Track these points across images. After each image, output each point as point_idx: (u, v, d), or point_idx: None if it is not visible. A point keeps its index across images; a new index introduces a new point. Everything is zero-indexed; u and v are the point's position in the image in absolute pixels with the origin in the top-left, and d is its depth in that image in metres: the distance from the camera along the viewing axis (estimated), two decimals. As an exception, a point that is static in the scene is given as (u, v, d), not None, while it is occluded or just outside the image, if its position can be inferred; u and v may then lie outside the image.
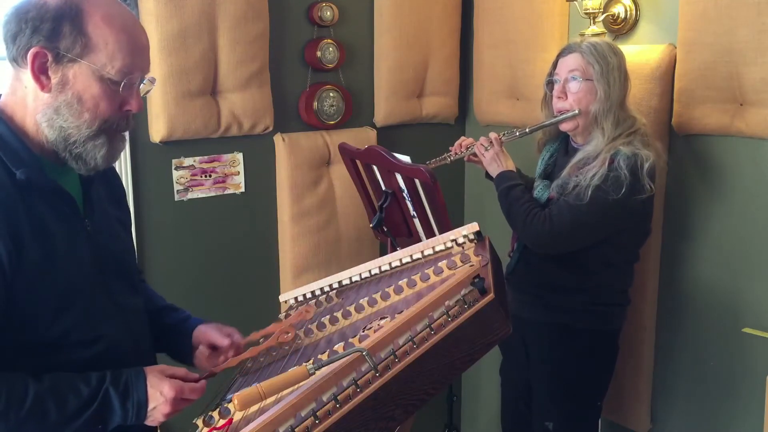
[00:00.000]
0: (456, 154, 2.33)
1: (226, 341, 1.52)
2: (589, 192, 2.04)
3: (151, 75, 1.38)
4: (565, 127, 2.21)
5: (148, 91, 1.39)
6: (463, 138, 2.39)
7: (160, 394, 1.29)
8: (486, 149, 2.26)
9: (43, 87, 1.26)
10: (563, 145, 2.33)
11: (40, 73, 1.25)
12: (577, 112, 2.14)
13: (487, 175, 2.41)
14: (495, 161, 2.26)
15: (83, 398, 1.25)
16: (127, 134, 2.36)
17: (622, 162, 2.03)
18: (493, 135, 2.28)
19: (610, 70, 2.10)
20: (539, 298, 2.28)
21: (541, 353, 2.33)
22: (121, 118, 1.33)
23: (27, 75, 1.26)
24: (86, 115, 1.28)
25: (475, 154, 2.31)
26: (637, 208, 2.09)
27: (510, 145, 2.31)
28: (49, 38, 1.24)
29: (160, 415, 1.30)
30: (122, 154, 2.42)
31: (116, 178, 1.57)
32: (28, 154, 1.29)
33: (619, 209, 2.06)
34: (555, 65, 2.22)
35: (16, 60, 1.27)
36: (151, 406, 1.29)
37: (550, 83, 2.24)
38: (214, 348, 1.54)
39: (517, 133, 2.28)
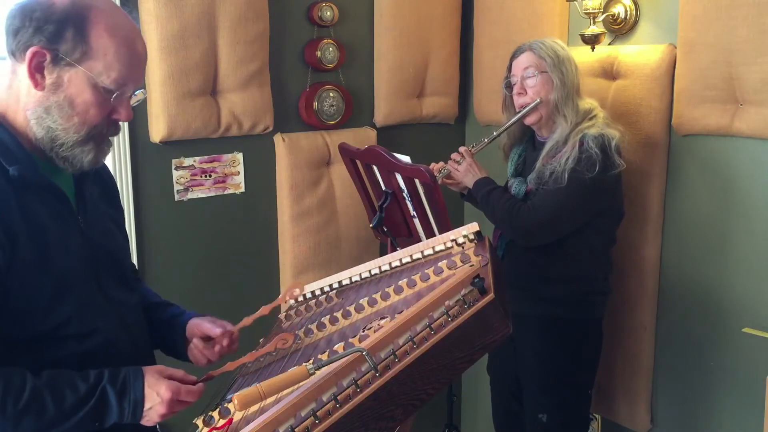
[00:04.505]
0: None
1: (218, 330, 1.52)
2: (566, 175, 2.15)
3: (143, 87, 1.40)
4: (529, 120, 2.30)
5: (137, 102, 1.41)
6: (433, 164, 2.41)
7: (156, 394, 1.30)
8: (459, 163, 2.35)
9: (37, 85, 1.28)
10: (530, 144, 2.42)
11: (36, 71, 1.27)
12: (538, 100, 2.25)
13: (462, 196, 2.50)
14: (470, 172, 2.35)
15: (80, 394, 1.25)
16: (127, 136, 2.41)
17: (591, 142, 2.15)
18: (462, 148, 2.38)
19: (561, 61, 2.24)
20: (526, 291, 2.33)
21: (530, 346, 2.38)
22: (109, 124, 1.35)
23: (23, 69, 1.27)
24: (75, 119, 1.29)
25: (448, 176, 2.38)
26: (611, 183, 2.21)
27: (477, 158, 2.36)
28: (51, 40, 1.26)
29: (155, 415, 1.31)
30: (122, 154, 2.43)
31: (110, 178, 1.58)
32: (22, 152, 1.30)
33: (597, 186, 2.15)
34: (510, 68, 2.34)
35: (15, 54, 1.28)
36: (147, 405, 1.30)
37: (508, 85, 2.35)
38: (207, 339, 1.54)
39: (485, 140, 2.38)
